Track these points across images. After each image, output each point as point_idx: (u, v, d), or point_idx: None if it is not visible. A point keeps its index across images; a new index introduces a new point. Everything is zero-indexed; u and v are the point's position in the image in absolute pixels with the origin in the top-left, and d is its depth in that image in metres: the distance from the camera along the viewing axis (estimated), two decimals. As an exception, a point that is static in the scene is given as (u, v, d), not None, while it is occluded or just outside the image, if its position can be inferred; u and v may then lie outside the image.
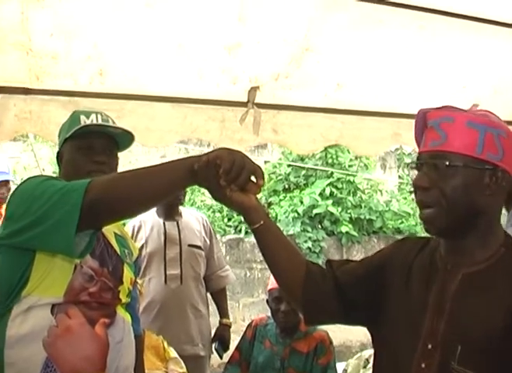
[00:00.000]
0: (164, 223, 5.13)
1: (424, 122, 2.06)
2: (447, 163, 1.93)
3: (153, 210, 5.16)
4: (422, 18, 3.98)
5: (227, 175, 2.07)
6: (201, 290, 5.18)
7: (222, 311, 5.37)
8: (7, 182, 5.57)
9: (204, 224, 5.32)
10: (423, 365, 1.96)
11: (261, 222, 2.26)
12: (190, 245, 5.10)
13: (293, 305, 2.45)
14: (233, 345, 4.80)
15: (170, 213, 5.18)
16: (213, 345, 5.26)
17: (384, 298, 2.17)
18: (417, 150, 2.12)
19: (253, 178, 2.17)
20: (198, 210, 10.68)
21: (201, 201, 11.62)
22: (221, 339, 5.25)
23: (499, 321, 1.84)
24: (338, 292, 2.26)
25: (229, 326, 5.32)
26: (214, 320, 5.36)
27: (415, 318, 2.02)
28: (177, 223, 5.14)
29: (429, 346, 1.95)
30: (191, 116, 4.41)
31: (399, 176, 13.93)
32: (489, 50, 4.28)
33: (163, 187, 2.22)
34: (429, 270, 2.09)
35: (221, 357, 5.33)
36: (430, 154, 1.99)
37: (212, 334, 5.31)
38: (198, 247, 5.15)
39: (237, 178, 2.09)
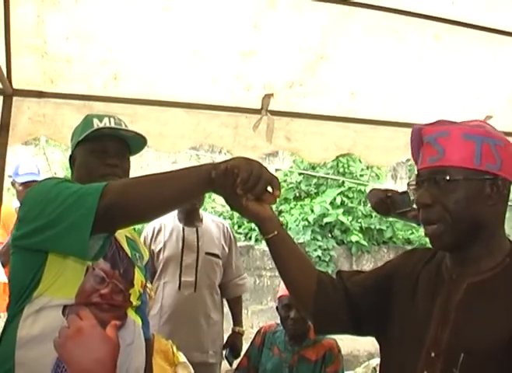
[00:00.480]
0: (183, 229, 5.12)
1: (419, 138, 2.06)
2: (448, 178, 1.92)
3: (174, 214, 5.17)
4: (436, 28, 3.98)
5: (244, 184, 2.07)
6: (216, 297, 5.16)
7: (236, 319, 5.35)
8: (36, 182, 5.55)
9: (224, 232, 5.28)
10: None
11: (275, 232, 2.27)
12: (207, 253, 5.08)
13: (304, 314, 2.45)
14: (242, 352, 4.80)
15: (190, 219, 5.16)
16: (224, 352, 5.24)
17: (391, 308, 2.18)
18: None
19: (269, 188, 2.18)
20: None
21: (212, 208, 11.62)
22: (232, 346, 5.23)
23: (504, 330, 1.83)
24: (348, 303, 2.27)
25: (242, 334, 5.29)
26: (227, 326, 5.34)
27: (420, 327, 2.02)
28: (197, 230, 5.11)
29: (432, 355, 1.96)
30: (205, 122, 4.42)
31: (409, 187, 13.88)
32: (502, 61, 4.28)
33: (180, 193, 2.21)
34: (435, 280, 2.09)
35: (231, 365, 5.29)
36: (430, 170, 1.99)
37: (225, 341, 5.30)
38: (216, 255, 5.13)
39: (254, 188, 2.09)
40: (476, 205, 1.94)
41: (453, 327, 1.94)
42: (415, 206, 2.25)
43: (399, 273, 2.23)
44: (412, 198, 4.20)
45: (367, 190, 12.15)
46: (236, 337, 5.26)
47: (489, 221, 1.97)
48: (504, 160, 1.95)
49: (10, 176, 5.64)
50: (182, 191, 2.20)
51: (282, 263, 2.33)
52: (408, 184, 2.15)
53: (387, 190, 4.21)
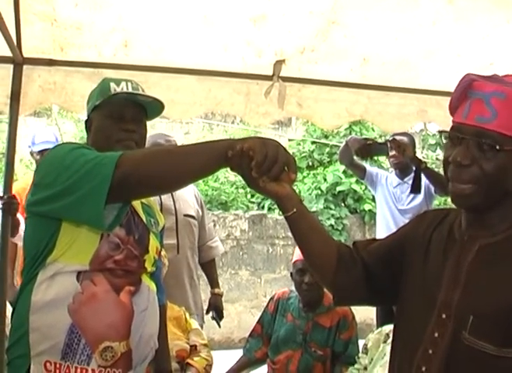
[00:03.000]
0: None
1: (467, 89, 1.93)
2: (497, 147, 1.83)
3: None
4: (450, -8, 3.93)
5: (259, 167, 2.05)
6: (196, 259, 5.19)
7: (213, 282, 5.41)
8: None
9: (195, 195, 5.30)
10: (436, 334, 1.95)
11: (294, 210, 2.25)
12: (185, 215, 5.06)
13: (324, 287, 2.46)
14: (255, 320, 4.80)
15: None
16: (209, 315, 5.34)
17: (404, 273, 2.18)
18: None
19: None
20: (222, 186, 10.66)
21: (225, 177, 11.59)
22: (215, 308, 5.31)
23: (511, 294, 1.83)
24: (366, 276, 2.27)
25: (221, 296, 5.38)
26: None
27: (431, 289, 2.02)
28: (172, 193, 5.02)
29: (443, 316, 1.95)
30: (216, 89, 4.41)
31: (423, 157, 13.84)
32: (517, 26, 4.22)
33: (196, 168, 2.20)
34: (446, 241, 2.07)
35: (219, 326, 5.44)
36: (476, 130, 1.87)
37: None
38: (193, 217, 5.12)
39: (269, 171, 2.07)
40: (511, 175, 1.89)
41: (463, 289, 1.93)
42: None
43: (412, 237, 2.22)
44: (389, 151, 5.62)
45: (380, 159, 12.12)
46: (216, 299, 5.34)
47: None
48: None
49: (30, 147, 5.69)
50: (199, 166, 2.20)
51: (302, 240, 2.33)
52: (441, 132, 2.07)
53: (366, 139, 5.78)
